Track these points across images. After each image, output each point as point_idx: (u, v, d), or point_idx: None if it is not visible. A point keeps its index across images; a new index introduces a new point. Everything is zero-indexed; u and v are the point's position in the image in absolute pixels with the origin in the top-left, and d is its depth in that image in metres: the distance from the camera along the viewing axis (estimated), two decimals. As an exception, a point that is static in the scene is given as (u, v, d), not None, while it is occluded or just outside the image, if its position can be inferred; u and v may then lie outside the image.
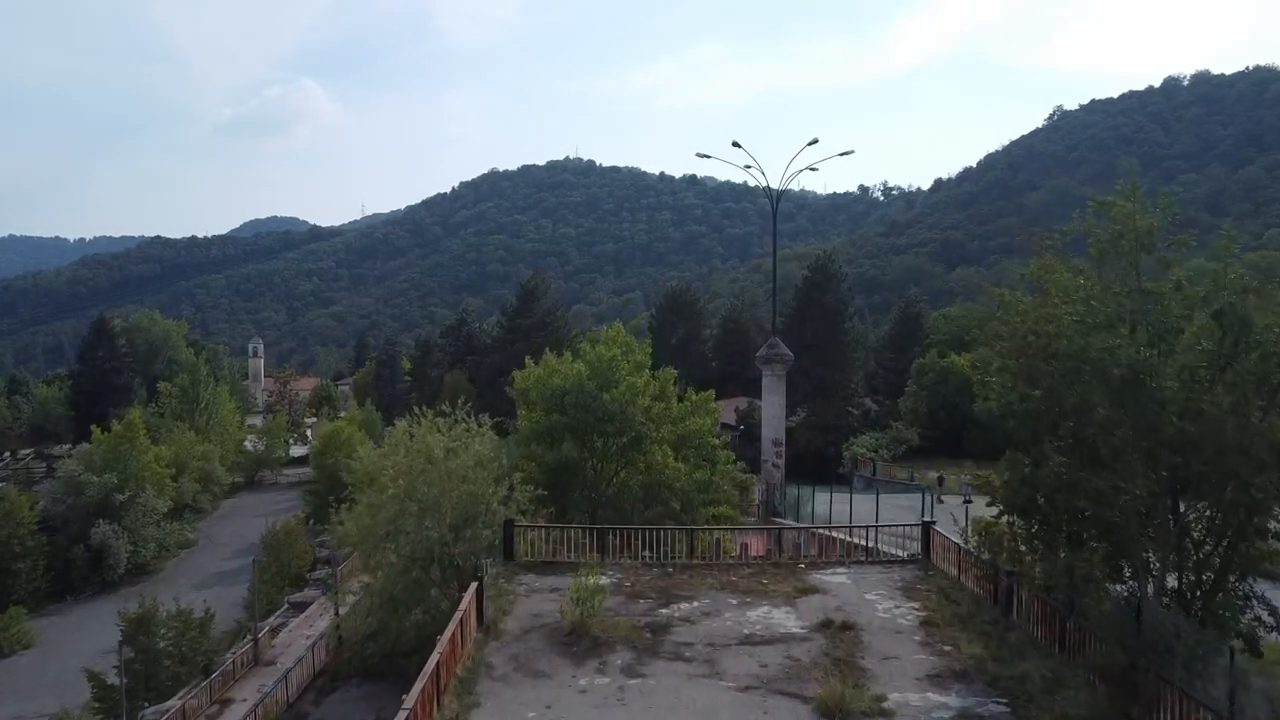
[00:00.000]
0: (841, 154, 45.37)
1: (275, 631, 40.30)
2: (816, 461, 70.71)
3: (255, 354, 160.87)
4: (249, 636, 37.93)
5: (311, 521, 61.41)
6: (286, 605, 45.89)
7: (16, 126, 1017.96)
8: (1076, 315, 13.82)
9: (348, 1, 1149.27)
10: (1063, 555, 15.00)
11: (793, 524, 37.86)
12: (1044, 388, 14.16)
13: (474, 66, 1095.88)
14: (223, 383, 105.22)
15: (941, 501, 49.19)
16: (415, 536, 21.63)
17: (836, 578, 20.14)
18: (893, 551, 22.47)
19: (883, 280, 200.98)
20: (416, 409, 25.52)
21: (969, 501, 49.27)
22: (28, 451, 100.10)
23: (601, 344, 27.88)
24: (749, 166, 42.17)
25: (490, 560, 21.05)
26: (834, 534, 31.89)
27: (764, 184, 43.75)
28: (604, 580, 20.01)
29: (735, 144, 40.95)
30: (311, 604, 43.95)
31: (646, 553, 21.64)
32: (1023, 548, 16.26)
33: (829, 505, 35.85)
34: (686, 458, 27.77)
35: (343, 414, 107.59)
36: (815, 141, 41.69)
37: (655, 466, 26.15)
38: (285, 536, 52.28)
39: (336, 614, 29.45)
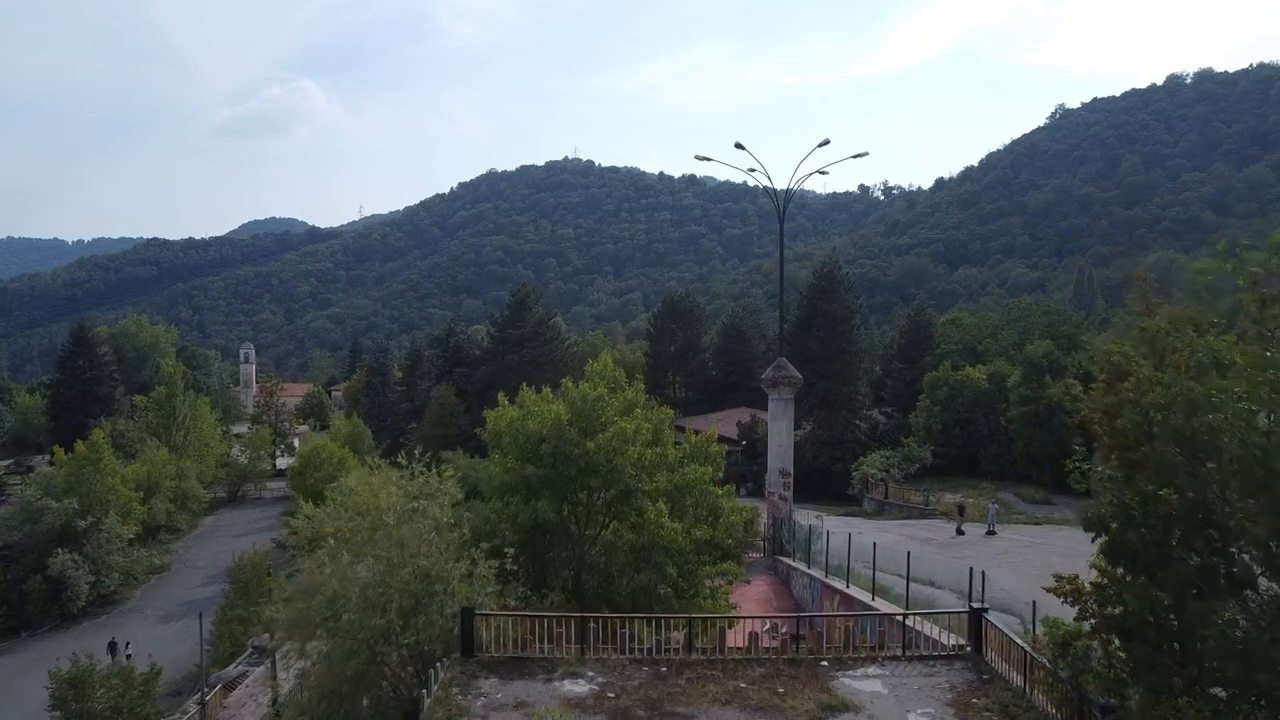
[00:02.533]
0: (855, 156, 41.46)
1: (231, 687, 36.47)
2: (822, 480, 66.61)
3: (246, 360, 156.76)
4: (200, 695, 34.10)
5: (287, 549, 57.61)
6: (250, 650, 41.99)
7: (15, 127, 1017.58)
8: (1255, 400, 9.79)
9: (347, 1, 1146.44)
10: (1184, 700, 11.10)
11: (803, 568, 34.14)
12: (1176, 488, 10.28)
13: (474, 66, 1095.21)
14: (205, 393, 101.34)
15: (962, 533, 45.48)
16: (358, 624, 17.91)
17: (869, 684, 16.31)
18: (934, 636, 18.65)
19: (884, 280, 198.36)
20: (369, 459, 21.97)
21: (992, 532, 45.56)
22: (7, 462, 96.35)
23: (586, 381, 24.02)
24: (753, 170, 38.54)
25: (444, 661, 17.26)
26: (851, 588, 28.25)
27: (766, 186, 40.10)
28: (582, 687, 16.30)
29: (739, 145, 37.30)
30: (276, 651, 40.10)
31: (634, 641, 17.86)
32: (1123, 674, 12.37)
33: (846, 542, 31.53)
34: (685, 510, 23.91)
35: (331, 424, 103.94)
36: (827, 142, 38.09)
37: (648, 525, 22.30)
38: (253, 570, 48.28)
39: (275, 701, 25.74)
